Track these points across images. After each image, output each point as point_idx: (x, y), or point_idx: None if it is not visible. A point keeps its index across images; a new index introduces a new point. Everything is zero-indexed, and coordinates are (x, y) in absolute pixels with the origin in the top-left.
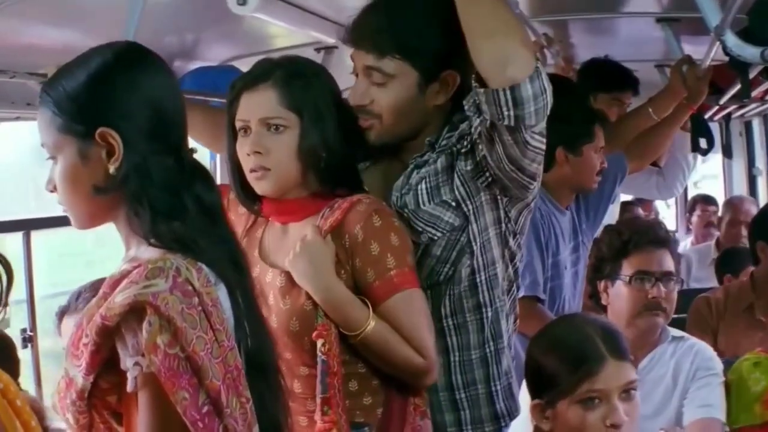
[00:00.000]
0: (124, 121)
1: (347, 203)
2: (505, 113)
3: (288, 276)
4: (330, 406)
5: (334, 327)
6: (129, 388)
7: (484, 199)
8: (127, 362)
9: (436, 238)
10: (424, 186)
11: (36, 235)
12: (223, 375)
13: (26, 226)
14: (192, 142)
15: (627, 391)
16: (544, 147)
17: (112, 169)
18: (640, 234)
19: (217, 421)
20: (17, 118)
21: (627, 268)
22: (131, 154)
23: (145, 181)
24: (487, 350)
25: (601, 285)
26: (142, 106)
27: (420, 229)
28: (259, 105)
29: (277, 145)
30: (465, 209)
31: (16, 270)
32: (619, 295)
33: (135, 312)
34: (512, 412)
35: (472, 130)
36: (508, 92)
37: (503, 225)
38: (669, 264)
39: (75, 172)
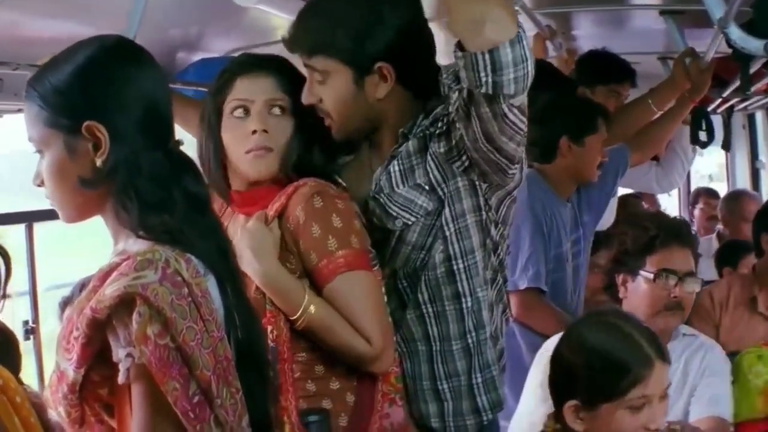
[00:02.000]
0: (110, 115)
1: (292, 188)
2: (483, 79)
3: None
4: (281, 392)
5: (283, 314)
6: (120, 379)
7: (461, 185)
8: (119, 353)
9: (410, 223)
10: (397, 167)
11: (38, 227)
12: (213, 365)
13: (28, 218)
14: (179, 135)
15: (665, 395)
16: (523, 126)
17: (98, 162)
18: (667, 231)
19: (208, 411)
20: (19, 110)
21: (651, 265)
22: (118, 148)
23: (132, 173)
24: (469, 341)
25: (620, 278)
26: (128, 99)
27: (394, 214)
28: (264, 86)
29: (280, 126)
30: (440, 193)
31: (19, 262)
32: (638, 290)
33: (125, 304)
34: (494, 406)
35: (450, 108)
36: (486, 55)
37: (483, 213)
38: (692, 264)
39: (62, 166)
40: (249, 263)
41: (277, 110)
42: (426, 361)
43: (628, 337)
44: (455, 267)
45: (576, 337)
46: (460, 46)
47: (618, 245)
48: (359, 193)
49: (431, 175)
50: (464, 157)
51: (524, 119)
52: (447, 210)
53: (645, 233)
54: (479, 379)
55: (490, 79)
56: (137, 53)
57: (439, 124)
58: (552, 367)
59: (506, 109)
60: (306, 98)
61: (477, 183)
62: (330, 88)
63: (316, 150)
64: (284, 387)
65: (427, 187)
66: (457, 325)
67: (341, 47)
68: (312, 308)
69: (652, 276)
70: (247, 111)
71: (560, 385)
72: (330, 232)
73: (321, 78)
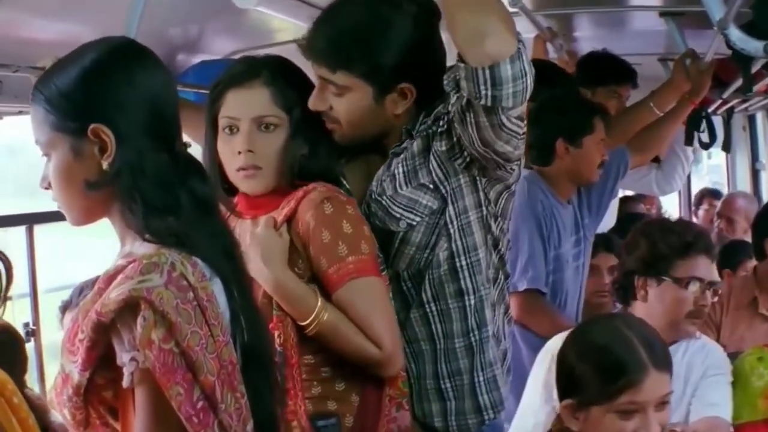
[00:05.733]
0: (116, 117)
1: (301, 192)
2: (483, 92)
3: None
4: (289, 397)
5: (290, 318)
6: (125, 383)
7: (462, 182)
8: (123, 357)
9: (414, 223)
10: (401, 169)
11: (39, 229)
12: (218, 370)
13: (29, 220)
14: (186, 138)
15: (663, 402)
16: (521, 131)
17: (104, 164)
18: (702, 239)
19: (212, 416)
20: (20, 112)
21: (682, 271)
22: (124, 150)
23: (138, 176)
24: (472, 339)
25: (640, 281)
26: (134, 101)
27: (398, 215)
28: (251, 103)
29: (269, 143)
30: (443, 191)
31: (20, 264)
32: (663, 296)
33: (130, 307)
34: (496, 405)
35: (449, 108)
36: (486, 71)
37: (484, 208)
38: (717, 275)
39: (68, 169)
40: (258, 269)
41: (265, 127)
42: (430, 360)
43: (626, 341)
44: (458, 264)
45: (579, 336)
46: (461, 56)
47: (647, 248)
48: (360, 193)
49: (434, 174)
50: (465, 154)
51: (522, 125)
52: (450, 207)
53: (679, 239)
54: (481, 378)
55: (489, 93)
56: (143, 55)
57: (440, 123)
58: (557, 365)
59: (504, 120)
60: (316, 104)
61: (477, 179)
62: (347, 101)
63: (320, 155)
64: (292, 391)
65: (431, 186)
66: (461, 324)
67: (367, 66)
68: (324, 314)
69: (684, 282)
70: (235, 129)
71: (561, 383)
72: (340, 237)
73: (339, 91)
